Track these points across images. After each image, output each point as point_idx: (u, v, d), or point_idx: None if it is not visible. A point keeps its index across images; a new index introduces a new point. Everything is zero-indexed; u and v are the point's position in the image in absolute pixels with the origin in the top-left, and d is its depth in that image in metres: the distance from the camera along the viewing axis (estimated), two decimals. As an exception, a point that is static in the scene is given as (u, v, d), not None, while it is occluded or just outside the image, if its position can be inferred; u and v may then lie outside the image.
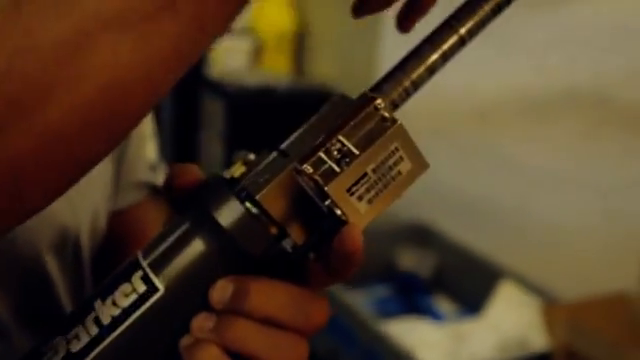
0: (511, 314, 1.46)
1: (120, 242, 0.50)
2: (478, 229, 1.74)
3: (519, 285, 1.50)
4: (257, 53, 1.99)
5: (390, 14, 1.49)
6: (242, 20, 2.00)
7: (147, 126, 0.54)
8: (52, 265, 0.41)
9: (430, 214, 1.73)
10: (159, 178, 0.54)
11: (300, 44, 1.98)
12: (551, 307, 1.43)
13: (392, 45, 1.64)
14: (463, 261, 1.64)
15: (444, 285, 1.70)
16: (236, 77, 1.88)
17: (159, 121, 2.30)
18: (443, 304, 1.66)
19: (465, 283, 1.64)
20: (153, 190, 0.54)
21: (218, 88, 1.89)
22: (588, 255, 1.86)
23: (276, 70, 1.96)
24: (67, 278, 0.43)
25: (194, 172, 0.32)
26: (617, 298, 1.54)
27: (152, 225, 0.52)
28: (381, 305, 1.62)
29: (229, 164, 0.32)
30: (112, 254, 0.48)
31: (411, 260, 1.72)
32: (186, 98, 2.03)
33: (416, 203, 1.68)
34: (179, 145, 2.09)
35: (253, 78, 1.89)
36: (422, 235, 1.72)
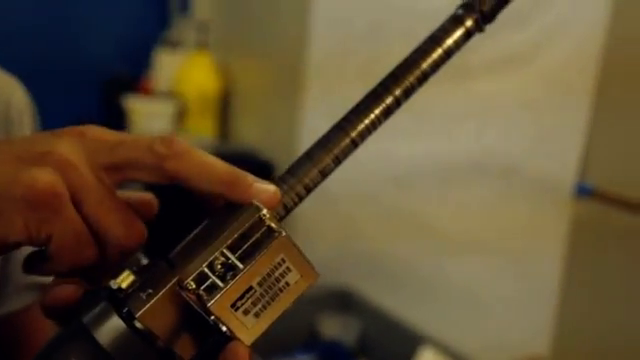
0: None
1: (5, 351, 0.48)
2: (401, 296, 1.75)
3: (440, 351, 1.50)
4: (180, 117, 1.96)
5: (312, 78, 1.50)
6: (165, 83, 1.98)
7: None
8: None
9: (352, 279, 1.72)
10: None
11: (225, 107, 1.97)
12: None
13: (313, 110, 1.68)
14: (387, 327, 1.63)
15: (369, 352, 1.67)
16: (158, 140, 1.84)
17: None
18: (368, 372, 1.63)
19: (389, 349, 1.63)
20: None
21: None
22: (504, 323, 1.90)
23: (200, 134, 1.94)
24: None
25: (74, 285, 0.31)
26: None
27: (42, 329, 0.51)
28: (304, 374, 1.57)
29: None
30: None
31: (334, 327, 1.69)
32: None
33: (338, 268, 1.67)
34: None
35: (175, 142, 1.85)
36: (345, 301, 1.71)
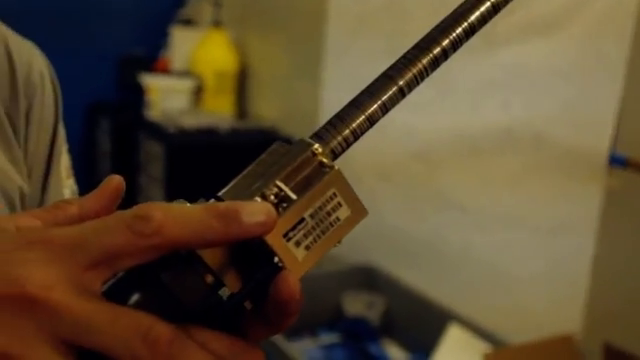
0: (460, 358, 1.44)
1: None
2: (425, 272, 1.73)
3: (467, 329, 1.48)
4: (198, 94, 1.94)
5: (331, 52, 1.45)
6: (181, 61, 1.96)
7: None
8: None
9: (377, 257, 1.70)
10: None
11: (242, 84, 1.95)
12: (495, 351, 1.41)
13: (333, 85, 1.65)
14: (411, 305, 1.62)
15: (393, 330, 1.66)
16: (176, 119, 1.83)
17: (96, 165, 2.19)
18: (392, 350, 1.62)
19: (414, 328, 1.62)
20: None
21: (158, 130, 1.83)
22: (533, 298, 1.86)
23: (217, 111, 1.92)
24: None
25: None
26: (562, 340, 1.54)
27: None
28: (328, 352, 1.57)
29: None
30: None
31: (359, 304, 1.68)
32: (125, 140, 1.97)
33: (363, 246, 1.65)
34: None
35: (194, 120, 1.84)
36: (369, 279, 1.69)
